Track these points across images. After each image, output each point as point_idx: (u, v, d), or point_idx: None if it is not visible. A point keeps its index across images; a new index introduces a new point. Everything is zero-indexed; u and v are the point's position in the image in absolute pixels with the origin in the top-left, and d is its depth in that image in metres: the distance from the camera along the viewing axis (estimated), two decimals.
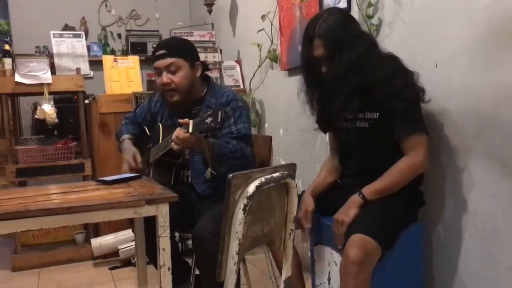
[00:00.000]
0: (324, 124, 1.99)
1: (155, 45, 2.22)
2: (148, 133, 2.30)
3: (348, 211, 1.74)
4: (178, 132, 1.85)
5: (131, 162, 2.15)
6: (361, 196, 1.76)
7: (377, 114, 1.80)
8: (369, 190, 1.76)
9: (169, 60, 2.05)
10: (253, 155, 2.12)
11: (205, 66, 2.20)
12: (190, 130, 1.77)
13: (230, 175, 1.31)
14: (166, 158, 2.06)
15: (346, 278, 1.61)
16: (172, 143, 1.89)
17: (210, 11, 4.20)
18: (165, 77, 2.05)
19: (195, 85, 2.13)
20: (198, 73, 2.13)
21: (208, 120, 1.71)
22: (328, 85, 1.81)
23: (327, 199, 1.96)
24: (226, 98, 2.10)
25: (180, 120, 1.86)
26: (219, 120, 1.70)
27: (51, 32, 3.49)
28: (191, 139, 1.83)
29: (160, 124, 2.22)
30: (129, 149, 2.22)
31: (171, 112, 2.22)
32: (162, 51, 2.07)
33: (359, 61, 1.74)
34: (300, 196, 1.58)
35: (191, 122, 1.78)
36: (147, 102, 2.36)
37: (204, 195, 2.11)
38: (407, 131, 1.75)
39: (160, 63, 2.06)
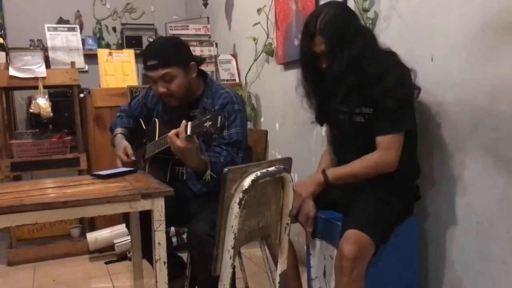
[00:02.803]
0: (322, 117, 2.00)
1: (144, 53, 2.04)
2: (144, 127, 2.28)
3: (308, 187, 1.81)
4: (173, 133, 1.79)
5: (123, 157, 2.11)
6: (323, 175, 1.80)
7: (371, 109, 1.80)
8: (333, 172, 1.82)
9: (162, 71, 1.96)
10: (244, 161, 2.04)
11: (199, 61, 2.13)
12: (188, 132, 1.72)
13: (226, 169, 1.31)
14: (161, 155, 2.05)
15: (340, 274, 1.62)
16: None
17: (205, 5, 4.19)
18: (161, 87, 1.99)
19: (192, 86, 2.08)
20: (194, 74, 2.06)
21: (207, 124, 1.66)
22: (328, 80, 1.81)
23: (321, 193, 1.96)
24: (222, 100, 2.04)
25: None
26: (218, 125, 1.65)
27: (46, 26, 3.46)
28: (186, 144, 1.76)
29: (156, 120, 2.19)
30: (119, 144, 2.18)
31: (166, 109, 2.19)
32: (153, 62, 1.97)
33: (359, 57, 1.74)
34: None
35: (189, 124, 1.73)
36: (143, 96, 2.32)
37: (200, 193, 2.10)
38: (384, 130, 1.75)
39: (153, 74, 1.98)
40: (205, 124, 1.67)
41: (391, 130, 1.75)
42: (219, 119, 1.65)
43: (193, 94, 2.10)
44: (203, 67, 2.21)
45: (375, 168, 1.77)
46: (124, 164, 2.10)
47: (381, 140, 1.76)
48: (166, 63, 1.96)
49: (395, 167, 1.77)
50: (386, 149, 1.75)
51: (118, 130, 2.28)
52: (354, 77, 1.75)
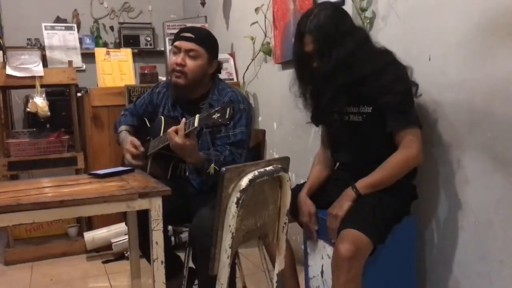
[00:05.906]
0: (316, 117, 2.00)
1: (182, 28, 2.19)
2: (148, 125, 2.29)
3: (342, 204, 1.75)
4: (173, 129, 1.82)
5: (132, 150, 2.12)
6: (354, 190, 1.76)
7: (371, 108, 1.80)
8: (363, 184, 1.76)
9: (192, 46, 2.05)
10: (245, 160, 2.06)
11: (219, 67, 2.19)
12: (196, 124, 1.74)
13: (223, 169, 1.31)
14: (165, 151, 2.05)
15: (337, 273, 1.62)
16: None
17: (203, 4, 4.18)
18: (181, 58, 2.05)
19: (204, 80, 2.12)
20: (211, 70, 2.13)
21: (216, 115, 1.68)
22: (317, 80, 1.82)
23: (320, 192, 1.97)
24: (228, 99, 2.07)
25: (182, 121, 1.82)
26: (227, 116, 1.67)
27: (43, 25, 3.46)
28: (184, 141, 1.79)
29: (162, 117, 2.20)
30: (125, 138, 2.20)
31: (174, 103, 2.20)
32: (189, 34, 2.07)
33: (349, 57, 1.74)
34: (293, 190, 1.57)
35: (197, 116, 1.75)
36: (149, 93, 2.34)
37: (201, 189, 2.11)
38: (401, 125, 1.75)
39: (183, 44, 2.06)
40: (214, 116, 1.70)
41: (406, 124, 1.75)
42: (228, 111, 1.68)
43: (201, 90, 2.14)
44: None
45: (402, 167, 1.76)
46: (134, 157, 2.11)
47: (399, 136, 1.76)
48: (200, 41, 2.08)
49: (421, 160, 1.77)
50: (408, 144, 1.74)
51: (123, 127, 2.30)
52: (343, 77, 1.75)
